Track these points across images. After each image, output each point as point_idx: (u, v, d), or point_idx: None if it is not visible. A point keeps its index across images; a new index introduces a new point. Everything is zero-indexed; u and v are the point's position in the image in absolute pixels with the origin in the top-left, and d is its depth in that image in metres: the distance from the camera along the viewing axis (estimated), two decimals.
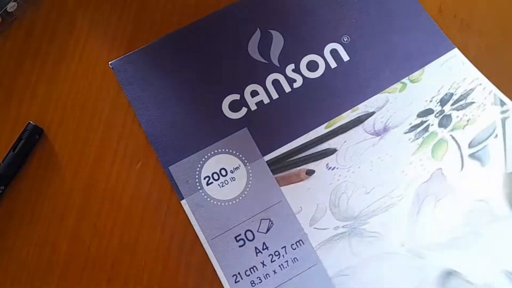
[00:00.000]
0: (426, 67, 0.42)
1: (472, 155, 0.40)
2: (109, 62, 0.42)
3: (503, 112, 0.41)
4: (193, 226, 0.40)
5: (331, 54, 0.42)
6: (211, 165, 0.41)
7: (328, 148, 0.41)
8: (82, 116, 0.43)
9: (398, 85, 0.42)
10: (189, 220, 0.41)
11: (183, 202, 0.41)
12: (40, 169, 0.42)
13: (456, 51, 0.42)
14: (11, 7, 0.43)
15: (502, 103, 0.41)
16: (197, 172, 0.41)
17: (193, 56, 0.43)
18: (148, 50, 0.43)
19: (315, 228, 0.40)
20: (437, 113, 0.41)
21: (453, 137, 0.41)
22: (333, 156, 0.41)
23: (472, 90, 0.41)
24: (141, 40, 0.43)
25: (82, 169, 0.42)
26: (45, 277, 0.40)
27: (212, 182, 0.41)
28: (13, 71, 0.43)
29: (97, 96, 0.43)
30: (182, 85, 0.42)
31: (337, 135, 0.41)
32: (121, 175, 0.42)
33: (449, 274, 0.37)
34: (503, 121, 0.41)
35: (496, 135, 0.40)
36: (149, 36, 0.43)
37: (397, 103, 0.42)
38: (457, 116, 0.41)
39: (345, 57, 0.42)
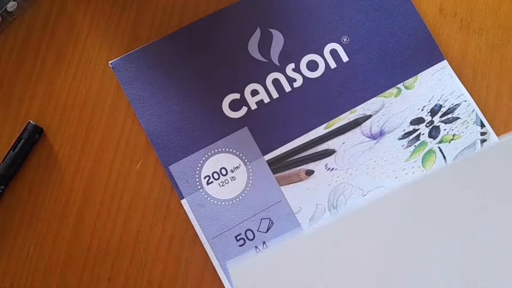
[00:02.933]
0: (419, 75, 0.42)
1: None
2: (109, 62, 0.42)
3: (482, 133, 0.41)
4: (193, 225, 0.40)
5: (331, 54, 0.42)
6: (211, 164, 0.41)
7: (327, 149, 0.41)
8: (82, 115, 0.43)
9: (393, 90, 0.42)
10: (189, 219, 0.41)
11: (183, 201, 0.41)
12: (40, 168, 0.42)
13: (445, 63, 0.42)
14: (11, 6, 0.43)
15: (482, 125, 0.41)
16: (197, 172, 0.41)
17: (193, 56, 0.43)
18: (148, 50, 0.43)
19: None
20: (427, 122, 0.41)
21: (440, 150, 0.41)
22: (332, 157, 0.41)
23: (458, 105, 0.42)
24: (141, 40, 0.43)
25: (82, 168, 0.42)
26: (45, 277, 0.41)
27: (212, 182, 0.41)
28: (13, 70, 0.43)
29: (97, 96, 0.43)
30: (182, 85, 0.42)
31: (336, 136, 0.41)
32: (121, 175, 0.42)
33: None
34: (482, 142, 0.41)
35: None
36: (150, 36, 0.43)
37: (393, 108, 0.42)
38: (445, 129, 0.41)
39: (345, 58, 0.42)
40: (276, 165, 0.41)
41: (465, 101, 0.42)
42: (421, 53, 0.42)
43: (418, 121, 0.41)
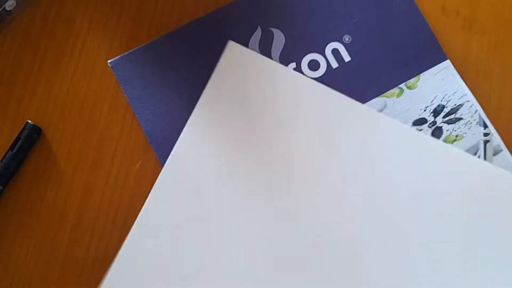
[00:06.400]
0: (421, 74, 0.42)
1: None
2: (108, 61, 0.42)
3: (485, 134, 0.41)
4: None
5: (333, 53, 0.42)
6: None
7: None
8: (81, 115, 0.42)
9: (395, 90, 0.41)
10: None
11: None
12: (39, 168, 0.42)
13: (448, 63, 0.42)
14: (9, 5, 0.42)
15: (485, 126, 0.41)
16: None
17: (193, 55, 0.42)
18: (147, 49, 0.42)
19: None
20: (430, 123, 0.41)
21: None
22: None
23: (460, 105, 0.41)
24: (140, 39, 0.43)
25: (81, 168, 0.42)
26: (44, 277, 0.40)
27: None
28: (11, 70, 0.43)
29: (96, 95, 0.42)
30: (182, 84, 0.42)
31: None
32: (120, 175, 0.41)
33: None
34: (485, 143, 0.40)
35: (479, 157, 0.40)
36: (149, 35, 0.43)
37: (395, 108, 0.41)
38: (447, 130, 0.41)
39: (346, 58, 0.42)
40: None
41: (468, 101, 0.41)
42: (424, 53, 0.42)
43: (421, 121, 0.41)
